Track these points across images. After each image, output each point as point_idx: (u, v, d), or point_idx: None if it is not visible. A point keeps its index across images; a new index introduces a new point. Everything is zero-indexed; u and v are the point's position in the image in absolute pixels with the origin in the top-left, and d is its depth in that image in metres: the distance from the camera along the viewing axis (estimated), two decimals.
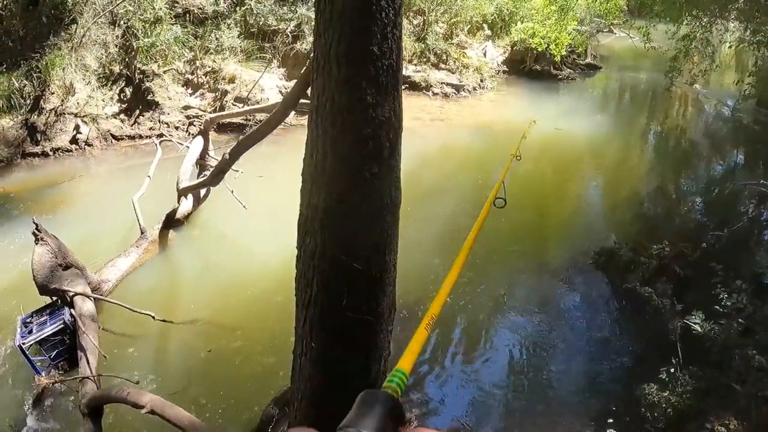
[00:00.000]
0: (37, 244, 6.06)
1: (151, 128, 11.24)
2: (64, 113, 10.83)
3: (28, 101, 10.72)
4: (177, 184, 7.90)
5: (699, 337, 4.28)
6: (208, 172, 7.58)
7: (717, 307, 4.59)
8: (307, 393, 2.64)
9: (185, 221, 8.04)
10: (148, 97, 11.56)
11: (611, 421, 4.76)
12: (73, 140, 10.71)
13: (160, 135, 10.75)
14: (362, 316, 2.41)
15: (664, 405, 4.05)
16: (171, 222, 7.81)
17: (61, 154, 10.59)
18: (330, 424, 2.33)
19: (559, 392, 5.30)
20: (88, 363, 5.39)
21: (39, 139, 10.55)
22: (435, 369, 5.74)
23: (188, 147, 8.52)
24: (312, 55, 2.35)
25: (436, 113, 14.00)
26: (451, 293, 5.27)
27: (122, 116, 11.42)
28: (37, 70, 10.77)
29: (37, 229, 6.05)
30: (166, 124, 11.37)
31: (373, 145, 2.24)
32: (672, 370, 4.18)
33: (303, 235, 2.44)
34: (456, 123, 13.38)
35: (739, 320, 4.39)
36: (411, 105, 14.32)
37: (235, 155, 5.98)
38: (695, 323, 4.33)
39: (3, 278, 7.01)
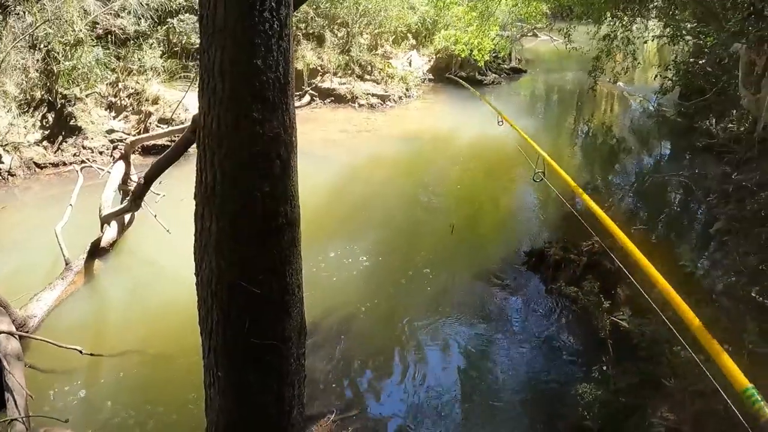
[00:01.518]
0: None
1: (74, 154, 10.86)
2: None
3: None
4: (99, 211, 7.63)
5: (628, 332, 4.31)
6: None
7: (642, 301, 4.64)
8: (220, 425, 2.53)
9: (111, 249, 7.77)
10: (71, 123, 11.18)
11: (553, 423, 4.77)
12: None
13: (84, 161, 10.39)
14: (268, 341, 2.32)
15: (599, 403, 4.05)
16: (96, 251, 7.53)
17: None
18: None
19: (500, 397, 5.29)
20: (15, 404, 5.12)
21: None
22: (372, 381, 5.67)
23: (110, 172, 8.24)
24: (198, 73, 2.25)
25: (363, 125, 14.00)
26: (389, 300, 5.18)
27: (45, 143, 11.00)
28: None
29: None
30: (90, 149, 11.01)
31: (264, 163, 2.16)
32: (604, 367, 4.19)
33: (199, 261, 2.34)
34: (383, 134, 13.40)
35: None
36: (337, 118, 14.30)
37: (150, 179, 5.81)
38: (622, 320, 4.36)
39: None
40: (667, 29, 11.69)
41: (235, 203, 2.16)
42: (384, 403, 5.39)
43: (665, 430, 3.91)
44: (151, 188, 7.05)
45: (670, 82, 11.97)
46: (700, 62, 11.78)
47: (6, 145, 10.49)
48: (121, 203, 7.85)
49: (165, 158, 5.67)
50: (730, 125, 10.82)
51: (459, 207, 9.48)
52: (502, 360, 5.80)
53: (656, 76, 13.23)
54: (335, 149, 11.82)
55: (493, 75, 19.19)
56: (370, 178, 10.56)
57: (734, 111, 10.81)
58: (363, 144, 12.57)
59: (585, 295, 4.59)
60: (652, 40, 13.42)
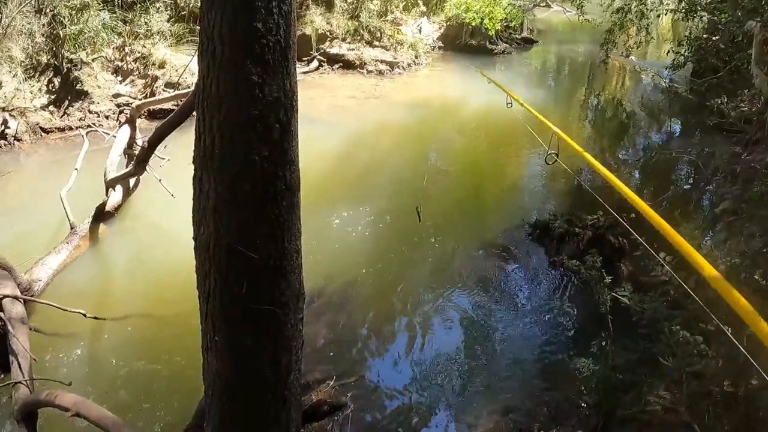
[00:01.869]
0: None
1: (81, 119, 10.82)
2: None
3: None
4: (104, 175, 7.62)
5: (628, 309, 4.28)
6: None
7: (645, 278, 4.61)
8: (216, 389, 2.54)
9: (116, 213, 7.77)
10: (77, 87, 11.12)
11: (550, 396, 4.78)
12: (2, 135, 10.24)
13: (90, 125, 10.36)
14: (265, 307, 2.32)
15: (597, 378, 4.05)
16: (101, 215, 7.53)
17: None
18: (245, 419, 2.23)
19: (499, 367, 5.32)
20: (20, 367, 5.17)
21: None
22: (373, 349, 5.70)
23: (115, 137, 8.21)
24: (199, 37, 2.22)
25: (371, 91, 13.88)
26: (392, 267, 5.14)
27: (51, 108, 10.95)
28: None
29: None
30: (96, 113, 10.96)
31: (262, 127, 2.13)
32: (603, 343, 4.18)
33: (197, 226, 2.33)
34: (391, 100, 13.28)
35: (670, 292, 4.41)
36: (345, 84, 14.17)
37: (154, 143, 5.78)
38: (623, 296, 4.32)
39: None
40: (682, 3, 11.46)
41: (234, 167, 2.14)
42: (384, 370, 5.43)
43: (661, 409, 3.91)
44: (157, 153, 7.03)
45: (682, 58, 11.76)
46: (714, 39, 11.55)
47: (12, 110, 10.45)
48: (126, 167, 7.84)
49: (169, 122, 5.64)
50: (741, 105, 10.67)
51: (465, 176, 9.42)
52: (503, 331, 5.82)
53: (669, 51, 13.00)
54: (343, 115, 11.75)
55: (504, 45, 18.91)
56: (376, 144, 10.50)
57: (746, 90, 10.64)
58: (371, 110, 12.48)
59: (587, 270, 4.55)
60: (666, 15, 13.15)
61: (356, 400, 4.89)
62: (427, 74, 15.81)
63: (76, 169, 7.89)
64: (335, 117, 11.47)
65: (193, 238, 2.37)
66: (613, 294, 4.31)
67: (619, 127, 12.76)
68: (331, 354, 5.60)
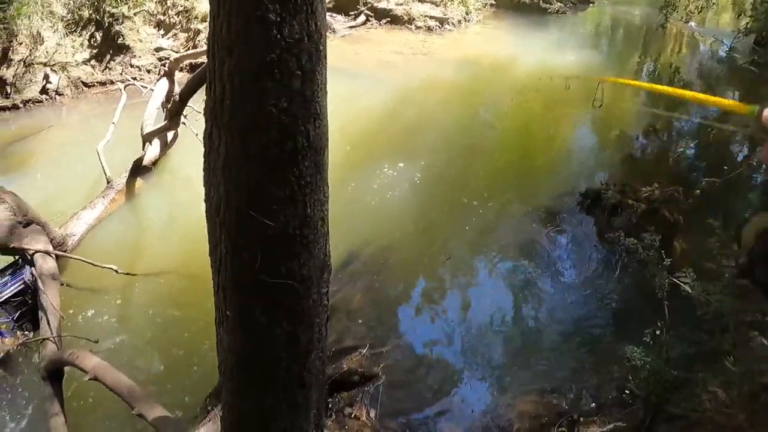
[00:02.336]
0: None
1: (122, 73, 10.73)
2: (33, 63, 10.32)
3: None
4: (141, 129, 7.48)
5: (690, 298, 3.86)
6: None
7: (710, 264, 4.15)
8: (228, 367, 2.31)
9: (153, 167, 7.65)
10: (119, 41, 10.99)
11: (593, 379, 4.45)
12: (44, 90, 10.25)
13: (131, 79, 10.24)
14: (281, 281, 2.05)
15: (647, 370, 3.67)
16: (138, 169, 7.44)
17: (32, 105, 10.15)
18: (257, 399, 1.95)
19: (541, 342, 5.02)
20: (48, 324, 5.11)
21: (9, 91, 10.09)
22: (409, 316, 5.47)
23: (153, 90, 8.04)
24: None
25: (419, 47, 13.41)
26: (434, 230, 4.84)
27: (93, 62, 10.88)
28: (4, 21, 10.21)
29: None
30: (138, 67, 10.86)
31: (281, 74, 1.83)
32: (657, 332, 3.78)
33: (207, 186, 2.07)
34: (440, 57, 12.80)
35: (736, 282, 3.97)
36: (392, 39, 13.73)
37: (185, 97, 5.56)
38: (685, 282, 3.89)
39: None
40: None
41: (246, 120, 1.85)
42: (419, 339, 5.20)
43: (713, 410, 3.55)
44: (194, 107, 6.86)
45: (746, 26, 10.92)
46: None
47: (53, 65, 10.41)
48: (164, 121, 7.68)
49: (199, 76, 5.42)
50: None
51: (515, 137, 9.00)
52: (548, 303, 5.49)
53: (731, 18, 12.14)
54: (389, 71, 11.37)
55: (558, 4, 18.16)
56: (423, 102, 10.10)
57: None
58: (418, 67, 12.06)
59: (645, 249, 4.13)
60: None
61: (388, 370, 4.67)
62: (477, 31, 15.24)
63: (113, 123, 7.79)
64: (382, 73, 11.12)
65: (204, 200, 2.10)
66: (674, 279, 3.89)
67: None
68: (365, 319, 5.38)
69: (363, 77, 10.68)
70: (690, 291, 3.75)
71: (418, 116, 9.45)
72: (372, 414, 4.17)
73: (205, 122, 2.00)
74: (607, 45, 16.43)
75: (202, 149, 2.04)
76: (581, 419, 4.04)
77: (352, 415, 4.11)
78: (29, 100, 10.05)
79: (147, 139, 7.54)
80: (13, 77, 10.04)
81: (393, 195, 7.11)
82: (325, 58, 2.03)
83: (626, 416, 3.89)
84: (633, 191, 6.28)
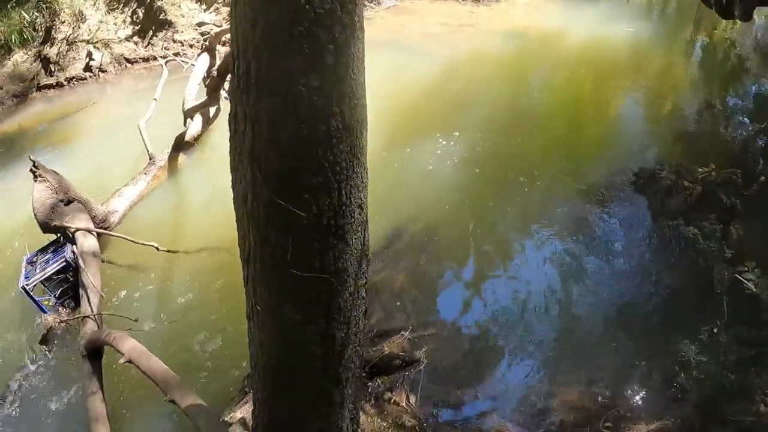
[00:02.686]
0: (36, 181, 5.79)
1: (165, 48, 10.71)
2: (76, 41, 10.46)
3: (40, 33, 10.41)
4: (183, 105, 7.43)
5: (754, 296, 3.53)
6: None
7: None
8: (260, 363, 2.18)
9: (195, 143, 7.61)
10: (161, 17, 10.98)
11: (642, 373, 4.19)
12: (87, 68, 10.36)
13: (176, 54, 10.21)
14: (315, 275, 1.89)
15: (701, 372, 3.38)
16: (180, 145, 7.42)
17: (76, 82, 10.28)
18: (290, 400, 1.80)
19: (589, 329, 4.77)
20: (89, 301, 5.13)
21: (53, 70, 10.27)
22: (453, 297, 5.32)
23: (194, 65, 7.96)
24: None
25: (465, 18, 12.95)
26: (480, 207, 4.64)
27: (135, 38, 10.93)
28: (47, 1, 10.30)
29: (34, 165, 5.74)
30: (180, 42, 10.83)
31: (310, 49, 1.65)
32: (715, 330, 3.47)
33: (234, 173, 1.91)
34: (487, 29, 12.34)
35: None
36: (438, 10, 13.30)
37: (223, 72, 5.44)
38: (749, 279, 3.55)
39: (17, 216, 6.74)
40: None
41: (274, 100, 1.67)
42: (462, 322, 5.04)
43: None
44: None
45: None
46: None
47: (96, 42, 10.49)
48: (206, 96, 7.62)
49: None
50: None
51: (565, 112, 8.61)
52: (597, 287, 5.23)
53: None
54: (434, 43, 11.03)
55: None
56: (470, 75, 9.77)
57: None
58: (464, 39, 11.65)
59: (705, 239, 3.82)
60: None
61: (430, 353, 4.53)
62: (527, 2, 14.68)
63: (155, 99, 7.77)
64: (426, 45, 10.80)
65: (231, 187, 1.95)
66: (737, 276, 3.57)
67: (728, 69, 11.34)
68: (408, 301, 5.23)
69: (408, 50, 10.40)
70: (754, 289, 3.43)
71: (464, 90, 9.15)
72: (412, 400, 4.05)
73: (230, 103, 1.84)
74: (659, 17, 15.65)
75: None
76: (628, 414, 3.83)
77: (392, 401, 3.99)
78: (73, 77, 10.16)
79: (188, 114, 7.49)
80: (57, 55, 10.16)
81: (439, 171, 6.91)
82: (362, 30, 1.84)
83: (674, 413, 3.65)
84: (689, 172, 5.91)
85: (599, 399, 4.02)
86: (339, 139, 1.80)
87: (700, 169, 5.81)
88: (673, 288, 4.95)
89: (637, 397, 3.98)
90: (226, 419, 3.52)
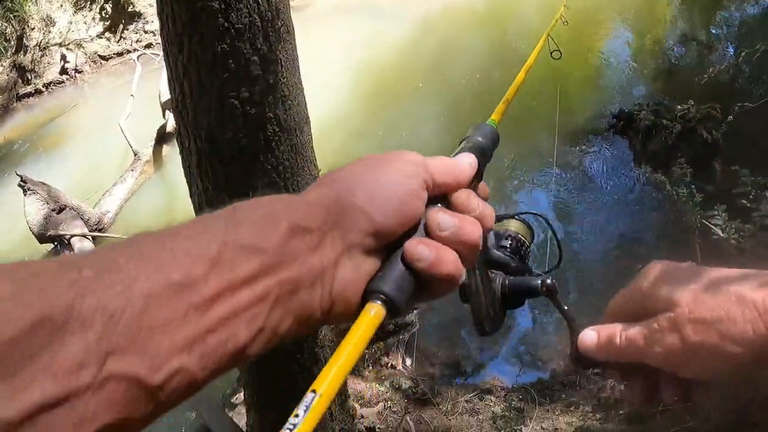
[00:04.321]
0: (26, 195, 5.92)
1: (137, 41, 10.68)
2: (48, 46, 10.44)
3: (12, 43, 10.39)
4: (159, 97, 7.49)
5: (721, 242, 3.55)
6: None
7: (744, 201, 3.75)
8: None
9: None
10: (129, 9, 10.89)
11: None
12: (63, 71, 10.36)
13: (148, 46, 10.21)
14: None
15: None
16: (163, 137, 7.49)
17: (54, 87, 10.30)
18: (273, 375, 1.93)
19: (573, 273, 4.90)
20: None
21: (30, 78, 10.28)
22: None
23: None
24: None
25: None
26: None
27: (107, 35, 10.88)
28: (13, 10, 10.26)
29: (22, 180, 5.89)
30: (152, 32, 10.73)
31: (236, 64, 1.76)
32: None
33: (188, 184, 2.03)
34: None
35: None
36: None
37: None
38: (716, 225, 3.56)
39: (15, 230, 6.86)
40: None
41: (209, 116, 1.80)
42: None
43: None
44: None
45: None
46: None
47: (68, 44, 10.47)
48: None
49: None
50: None
51: (544, 59, 8.60)
52: (573, 232, 5.38)
53: None
54: (405, 3, 10.94)
55: None
56: (445, 32, 9.68)
57: None
58: None
59: (674, 185, 3.86)
60: None
61: (422, 314, 4.61)
62: None
63: (131, 95, 7.83)
64: (397, 6, 10.69)
65: (189, 197, 2.08)
66: (705, 222, 3.62)
67: None
68: None
69: (380, 13, 10.31)
70: (721, 234, 3.48)
71: (441, 47, 9.10)
72: (408, 362, 4.22)
73: (174, 122, 1.96)
74: None
75: None
76: None
77: (389, 365, 4.16)
78: (50, 82, 10.18)
79: (166, 106, 7.55)
80: (31, 63, 10.16)
81: (422, 130, 6.98)
82: (291, 32, 1.94)
83: None
84: (668, 111, 5.90)
85: None
86: (279, 142, 1.93)
87: (679, 107, 5.78)
88: (647, 235, 5.10)
89: None
90: (232, 400, 3.69)
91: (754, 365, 0.54)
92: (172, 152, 7.55)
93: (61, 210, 6.00)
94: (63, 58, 10.23)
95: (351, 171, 0.53)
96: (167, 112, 7.58)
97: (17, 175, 5.88)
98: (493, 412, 3.77)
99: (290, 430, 0.35)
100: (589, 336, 0.66)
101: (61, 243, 5.89)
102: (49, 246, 6.00)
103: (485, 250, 0.65)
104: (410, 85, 8.14)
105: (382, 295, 0.47)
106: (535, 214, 0.85)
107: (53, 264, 0.36)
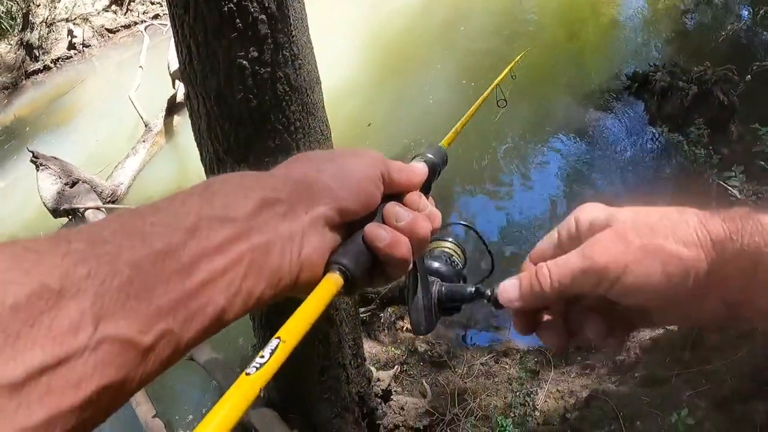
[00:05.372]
0: (38, 170, 5.93)
1: (144, 12, 10.62)
2: (54, 22, 10.40)
3: (18, 21, 10.36)
4: (168, 67, 7.45)
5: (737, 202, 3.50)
6: None
7: (762, 162, 3.69)
8: (257, 312, 2.35)
9: (187, 103, 7.65)
10: None
11: None
12: (71, 46, 10.32)
13: (155, 17, 10.15)
14: None
15: None
16: (173, 107, 7.46)
17: (63, 62, 10.28)
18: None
19: None
20: None
21: (38, 54, 10.27)
22: (465, 205, 5.51)
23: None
24: None
25: None
26: (483, 122, 4.67)
27: (113, 7, 10.85)
28: None
29: (34, 156, 5.89)
30: (159, 3, 10.69)
31: (243, 23, 1.72)
32: None
33: (199, 147, 2.02)
34: None
35: None
36: None
37: None
38: (733, 186, 3.50)
39: (29, 206, 6.90)
40: None
41: (218, 77, 1.77)
42: (480, 229, 5.17)
43: None
44: None
45: None
46: None
47: (75, 18, 10.41)
48: None
49: None
50: None
51: (558, 21, 8.45)
52: (600, 184, 5.36)
53: None
54: None
55: None
56: None
57: None
58: None
59: (691, 146, 3.80)
60: None
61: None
62: None
63: (140, 66, 7.79)
64: None
65: (200, 161, 2.07)
66: (721, 183, 3.56)
67: None
68: None
69: None
70: (738, 195, 3.42)
71: (449, 13, 8.97)
72: None
73: (183, 84, 1.94)
74: None
75: None
76: None
77: (404, 328, 4.18)
78: (59, 58, 10.16)
79: (175, 76, 7.51)
80: (39, 39, 10.14)
81: (436, 94, 6.92)
82: None
83: None
84: (683, 72, 5.81)
85: None
86: (289, 102, 1.90)
87: (695, 68, 5.69)
88: (666, 189, 5.05)
89: None
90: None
91: (687, 284, 0.51)
92: (182, 122, 7.54)
93: (74, 184, 6.01)
94: (70, 33, 10.18)
95: (316, 155, 0.59)
96: (177, 82, 7.55)
97: (29, 151, 5.88)
98: (508, 374, 3.79)
99: (256, 368, 0.38)
100: (510, 285, 0.62)
101: (75, 216, 5.90)
102: (64, 220, 6.02)
103: (424, 259, 0.72)
104: (420, 51, 8.04)
105: (341, 267, 0.51)
106: (466, 225, 0.96)
107: (45, 240, 0.38)
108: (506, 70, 1.28)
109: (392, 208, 0.58)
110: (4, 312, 0.32)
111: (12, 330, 0.32)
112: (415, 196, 0.61)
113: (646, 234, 0.53)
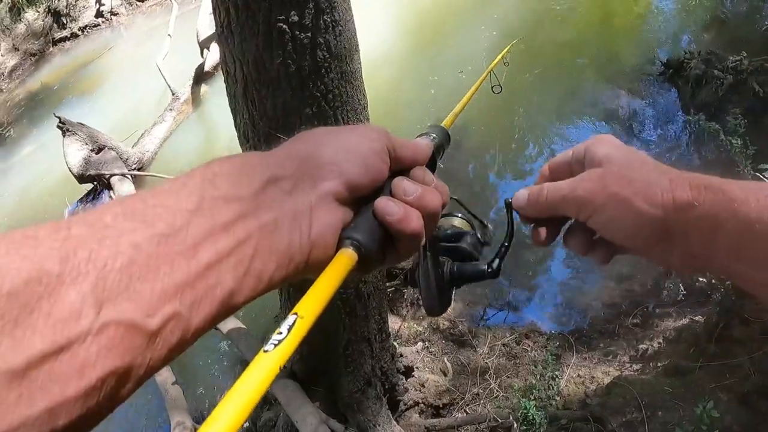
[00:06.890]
0: (65, 136, 5.97)
1: None
2: None
3: None
4: (197, 36, 7.43)
5: None
6: None
7: None
8: (284, 286, 2.33)
9: (215, 72, 7.63)
10: None
11: (669, 274, 4.23)
12: (98, 14, 10.34)
13: None
14: None
15: None
16: (201, 77, 7.47)
17: (90, 30, 10.31)
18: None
19: None
20: None
21: (65, 22, 10.29)
22: (488, 184, 5.47)
23: None
24: None
25: None
26: (511, 101, 4.57)
27: None
28: None
29: (61, 122, 5.92)
30: None
31: None
32: None
33: (233, 113, 2.00)
34: None
35: None
36: None
37: None
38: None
39: (55, 171, 6.95)
40: None
41: (256, 41, 1.73)
42: (493, 217, 5.10)
43: None
44: None
45: None
46: None
47: None
48: None
49: None
50: None
51: (592, 4, 8.29)
52: None
53: None
54: None
55: None
56: None
57: None
58: None
59: (728, 135, 3.70)
60: None
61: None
62: None
63: (169, 35, 7.79)
64: None
65: (234, 126, 2.05)
66: (756, 174, 3.47)
67: None
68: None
69: None
70: None
71: None
72: None
73: (219, 48, 1.91)
74: None
75: None
76: (657, 311, 3.91)
77: None
78: (86, 26, 10.19)
79: (204, 45, 7.51)
80: (66, 7, 10.15)
81: (467, 70, 6.82)
82: None
83: (705, 312, 3.70)
84: (719, 61, 5.65)
85: (630, 294, 4.10)
86: (328, 69, 1.86)
87: (732, 58, 5.55)
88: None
89: (670, 291, 4.03)
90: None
91: (650, 234, 0.60)
92: (210, 91, 7.55)
93: (100, 150, 6.04)
94: (98, 1, 10.19)
95: (320, 131, 0.56)
96: (205, 51, 7.55)
97: (55, 116, 5.91)
98: (530, 356, 3.76)
99: (275, 344, 0.37)
100: (521, 194, 0.71)
101: (101, 182, 5.94)
102: (89, 186, 6.06)
103: (435, 239, 0.72)
104: (456, 20, 7.93)
105: (355, 242, 0.49)
106: (454, 199, 0.86)
107: (44, 226, 0.37)
108: (498, 58, 1.28)
109: (400, 182, 0.56)
110: (1, 299, 0.31)
111: (10, 317, 0.31)
112: (421, 171, 0.61)
113: (624, 185, 0.60)
